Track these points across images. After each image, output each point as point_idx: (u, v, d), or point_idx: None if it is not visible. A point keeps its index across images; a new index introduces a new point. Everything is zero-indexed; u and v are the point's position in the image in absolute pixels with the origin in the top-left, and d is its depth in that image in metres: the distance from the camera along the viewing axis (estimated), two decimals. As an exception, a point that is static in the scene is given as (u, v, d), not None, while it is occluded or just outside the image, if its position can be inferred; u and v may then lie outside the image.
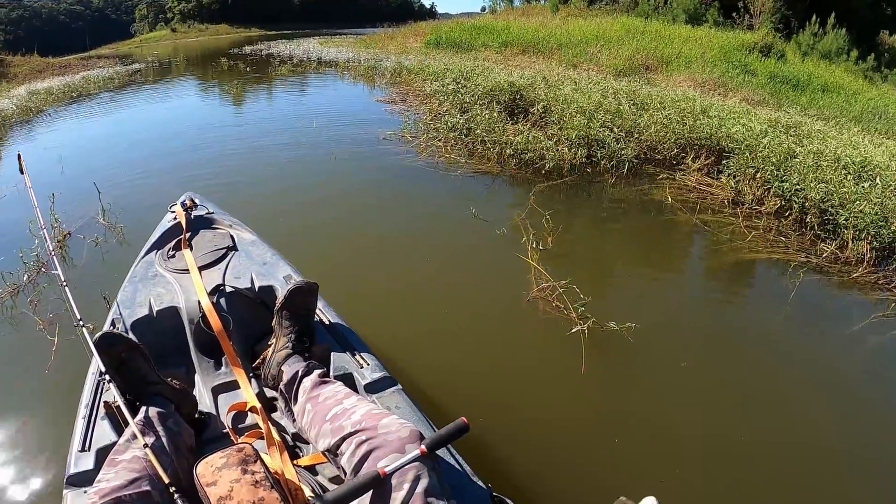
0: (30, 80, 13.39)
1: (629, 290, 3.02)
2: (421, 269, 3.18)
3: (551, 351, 2.43)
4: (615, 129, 4.73)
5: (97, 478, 1.19)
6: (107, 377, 1.38)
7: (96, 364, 1.58)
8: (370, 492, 1.06)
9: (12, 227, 4.06)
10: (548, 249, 3.14)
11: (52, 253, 2.07)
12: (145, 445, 1.21)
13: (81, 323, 1.59)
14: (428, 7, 69.24)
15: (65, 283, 1.79)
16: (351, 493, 1.04)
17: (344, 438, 1.19)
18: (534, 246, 3.09)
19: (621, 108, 5.12)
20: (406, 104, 6.94)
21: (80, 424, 1.48)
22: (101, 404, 1.52)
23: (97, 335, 1.48)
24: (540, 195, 4.00)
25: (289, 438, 1.52)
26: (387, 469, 1.05)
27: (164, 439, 1.31)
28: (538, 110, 5.29)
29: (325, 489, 1.32)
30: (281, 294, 1.80)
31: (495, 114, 5.28)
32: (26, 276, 3.36)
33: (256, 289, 1.92)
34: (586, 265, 3.25)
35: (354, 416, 1.22)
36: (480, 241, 3.47)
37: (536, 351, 2.45)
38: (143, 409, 1.40)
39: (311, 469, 1.40)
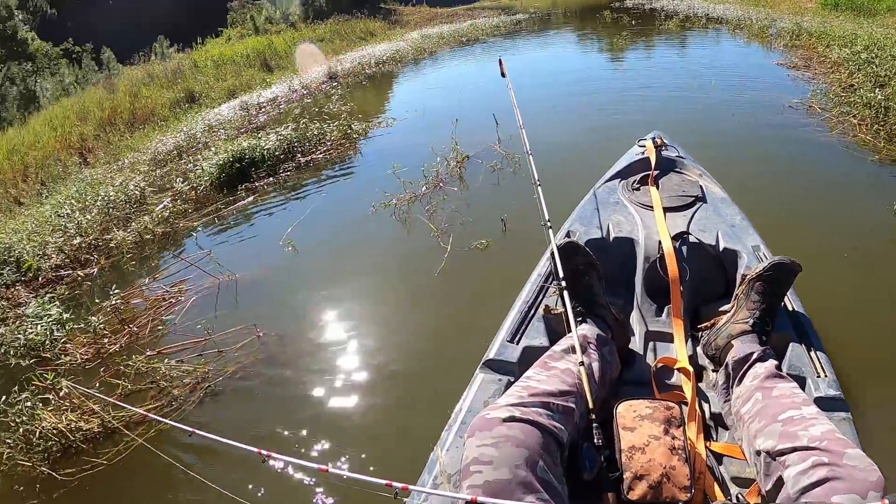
0: (421, 27, 15.78)
1: None
2: (821, 264, 2.80)
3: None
4: None
5: (527, 374, 1.20)
6: (563, 283, 1.36)
7: (547, 266, 1.63)
8: None
9: (412, 147, 4.66)
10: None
11: (529, 153, 2.03)
12: (581, 363, 1.18)
13: (549, 224, 1.61)
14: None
15: (538, 183, 1.79)
16: None
17: (796, 449, 1.05)
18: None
19: None
20: (810, 71, 6.41)
21: (513, 317, 1.51)
22: (542, 307, 1.54)
23: (564, 241, 1.47)
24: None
25: (707, 415, 1.40)
26: None
27: (598, 363, 1.28)
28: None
29: (724, 484, 1.21)
30: (746, 263, 1.67)
31: (919, 94, 4.68)
32: (424, 187, 3.79)
33: (721, 249, 1.77)
34: None
35: (814, 429, 1.07)
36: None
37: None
38: (586, 326, 1.38)
39: (718, 457, 1.28)
